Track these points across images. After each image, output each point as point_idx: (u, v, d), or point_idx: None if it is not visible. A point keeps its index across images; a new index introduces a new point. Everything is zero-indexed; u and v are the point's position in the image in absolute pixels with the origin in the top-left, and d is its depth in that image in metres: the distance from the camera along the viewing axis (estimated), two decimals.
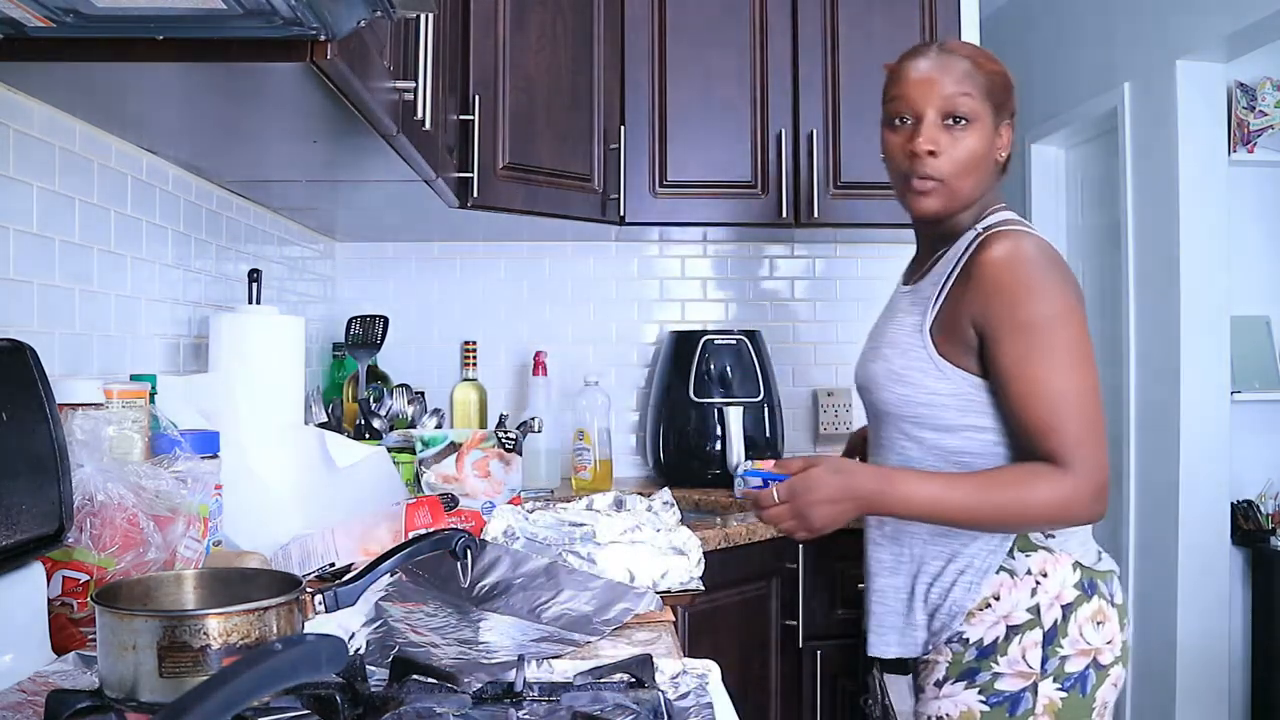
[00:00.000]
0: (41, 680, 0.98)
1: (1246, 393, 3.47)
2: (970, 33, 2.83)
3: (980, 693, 1.41)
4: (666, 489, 1.78)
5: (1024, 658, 1.41)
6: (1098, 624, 1.43)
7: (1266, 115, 3.45)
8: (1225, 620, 3.41)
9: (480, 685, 0.96)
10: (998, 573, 1.42)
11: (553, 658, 1.09)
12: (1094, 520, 1.38)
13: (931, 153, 1.43)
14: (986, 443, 1.43)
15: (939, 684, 1.45)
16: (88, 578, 1.13)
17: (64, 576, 1.13)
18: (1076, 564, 1.44)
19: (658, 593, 1.41)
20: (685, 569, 1.44)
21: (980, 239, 1.43)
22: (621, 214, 2.63)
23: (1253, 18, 3.02)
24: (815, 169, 2.67)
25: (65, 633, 1.11)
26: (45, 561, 1.09)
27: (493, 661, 1.08)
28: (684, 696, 0.98)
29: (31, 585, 1.05)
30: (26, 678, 0.99)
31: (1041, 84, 4.26)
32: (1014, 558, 1.43)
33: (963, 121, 1.44)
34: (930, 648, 1.48)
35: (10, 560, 1.01)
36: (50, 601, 1.09)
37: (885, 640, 1.52)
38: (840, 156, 2.70)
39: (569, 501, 1.72)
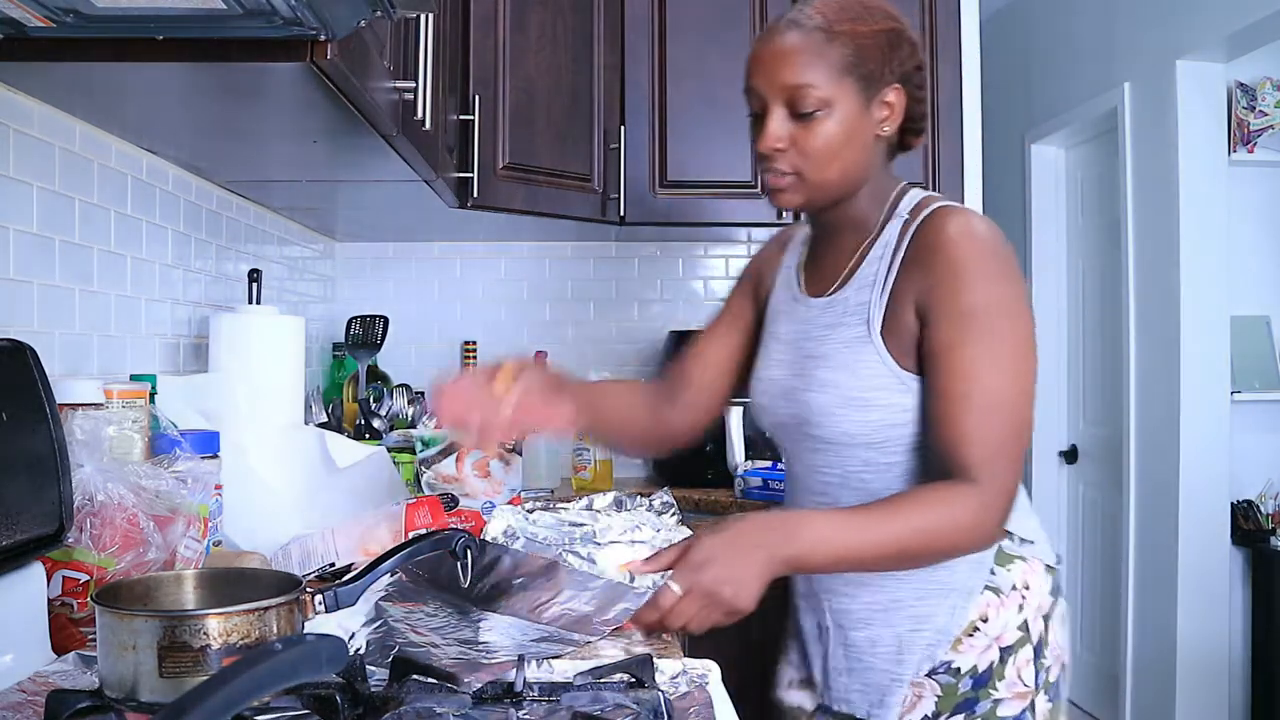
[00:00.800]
0: (41, 680, 0.98)
1: (1246, 393, 3.47)
2: (970, 33, 2.84)
3: None
4: (666, 489, 1.78)
5: (1020, 677, 1.29)
6: (1063, 624, 1.35)
7: (1266, 115, 3.44)
8: (1225, 620, 3.41)
9: (480, 685, 0.96)
10: (982, 592, 1.29)
11: (553, 658, 1.09)
12: (989, 547, 1.24)
13: (778, 149, 1.27)
14: None
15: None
16: (88, 578, 1.13)
17: (64, 576, 1.13)
18: (1047, 567, 1.34)
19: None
20: None
21: (922, 220, 1.28)
22: (621, 214, 2.63)
23: (1253, 18, 3.02)
24: None
25: (65, 633, 1.11)
26: (45, 561, 1.09)
27: (493, 661, 1.08)
28: (684, 696, 0.98)
29: (31, 585, 1.05)
30: (26, 678, 0.99)
31: (1041, 84, 4.26)
32: (995, 574, 1.29)
33: (812, 113, 1.25)
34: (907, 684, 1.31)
35: (10, 560, 1.01)
36: (50, 601, 1.09)
37: (871, 700, 1.32)
38: None
39: (569, 501, 1.72)
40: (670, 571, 1.12)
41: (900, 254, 1.28)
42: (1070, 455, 4.21)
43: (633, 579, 1.41)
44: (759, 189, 1.38)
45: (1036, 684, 1.30)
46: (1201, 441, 3.37)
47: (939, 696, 1.28)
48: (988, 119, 3.21)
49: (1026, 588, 1.30)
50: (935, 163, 2.73)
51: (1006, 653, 1.29)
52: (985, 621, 1.28)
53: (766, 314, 1.46)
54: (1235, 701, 3.49)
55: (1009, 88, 4.40)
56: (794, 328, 1.38)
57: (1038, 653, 1.30)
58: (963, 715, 1.28)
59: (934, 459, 1.23)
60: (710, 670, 1.05)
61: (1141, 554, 3.60)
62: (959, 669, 1.28)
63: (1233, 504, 3.47)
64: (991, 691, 1.28)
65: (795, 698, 1.45)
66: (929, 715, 1.28)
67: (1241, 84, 3.45)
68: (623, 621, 1.17)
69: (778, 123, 1.26)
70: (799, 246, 1.47)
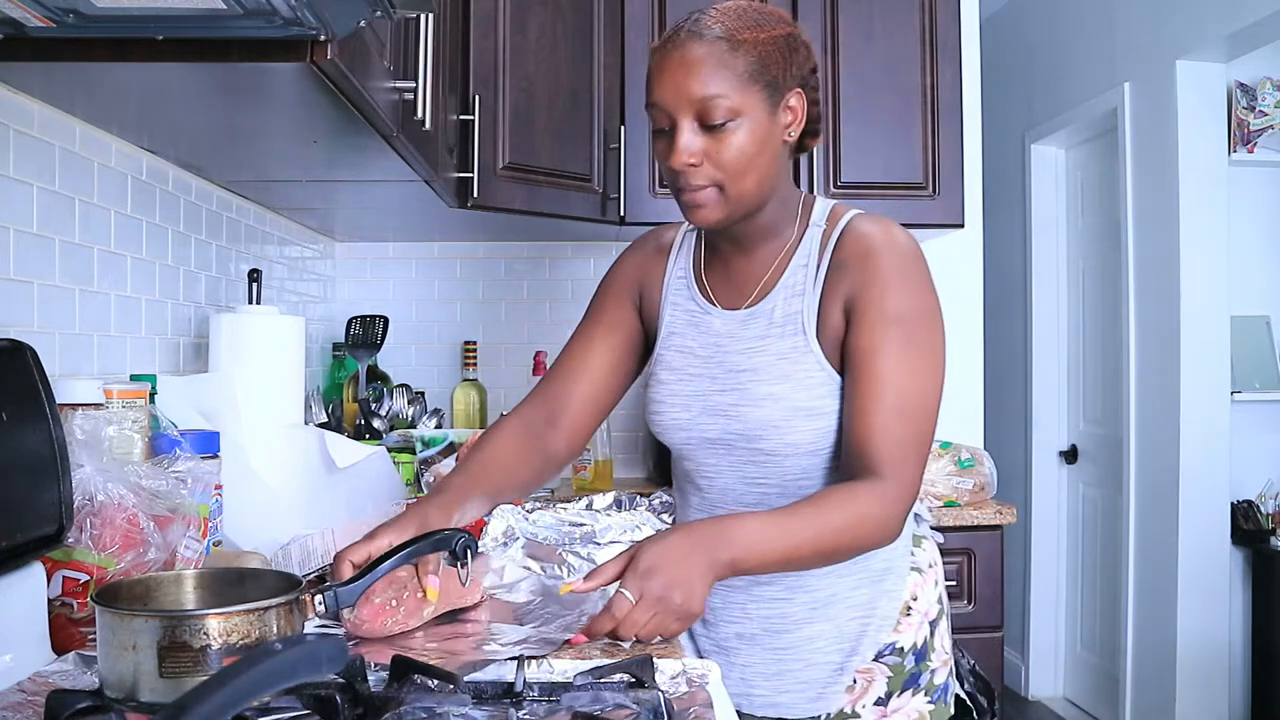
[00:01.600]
0: (41, 680, 0.98)
1: (1246, 393, 3.47)
2: (970, 33, 2.83)
3: (925, 694, 1.38)
4: (666, 489, 1.78)
5: (943, 645, 1.41)
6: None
7: (1266, 115, 3.44)
8: (1225, 620, 3.41)
9: (480, 685, 0.96)
10: (909, 573, 1.38)
11: (545, 656, 1.09)
12: (894, 540, 1.27)
13: (692, 164, 1.24)
14: None
15: (882, 701, 1.35)
16: (88, 578, 1.13)
17: (64, 576, 1.13)
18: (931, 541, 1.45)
19: None
20: None
21: (844, 227, 1.31)
22: (621, 214, 2.63)
23: (1253, 18, 3.02)
24: (815, 169, 2.67)
25: (65, 633, 1.11)
26: (45, 561, 1.09)
27: (493, 661, 1.08)
28: (684, 696, 0.98)
29: (31, 585, 1.05)
30: (26, 678, 0.99)
31: (1041, 84, 4.26)
32: (914, 555, 1.39)
33: (724, 123, 1.22)
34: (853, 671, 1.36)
35: (10, 560, 1.01)
36: (50, 601, 1.09)
37: (808, 696, 1.35)
38: (840, 156, 2.70)
39: (569, 501, 1.72)
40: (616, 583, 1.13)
41: (825, 261, 1.30)
42: (1070, 455, 4.21)
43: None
44: (679, 204, 1.33)
45: (948, 648, 1.42)
46: (1201, 441, 3.37)
47: (889, 678, 1.35)
48: (988, 119, 3.22)
49: (933, 563, 1.42)
50: (935, 163, 2.72)
51: (934, 625, 1.39)
52: (915, 600, 1.38)
53: (660, 325, 1.42)
54: (1235, 701, 3.49)
55: (1009, 88, 4.40)
56: (708, 340, 1.36)
57: (944, 617, 1.42)
58: (910, 691, 1.36)
59: (846, 454, 1.26)
60: (710, 670, 1.05)
61: (1141, 554, 3.60)
62: (902, 648, 1.37)
63: (1233, 504, 3.47)
64: (929, 664, 1.38)
65: None
66: (881, 697, 1.36)
67: (1241, 84, 3.45)
68: (573, 635, 1.16)
69: (688, 137, 1.23)
70: (684, 255, 1.45)
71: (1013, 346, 4.43)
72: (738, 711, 1.37)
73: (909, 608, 1.37)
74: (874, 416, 1.23)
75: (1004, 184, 4.38)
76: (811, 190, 2.65)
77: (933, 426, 1.27)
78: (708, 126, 1.23)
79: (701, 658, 1.39)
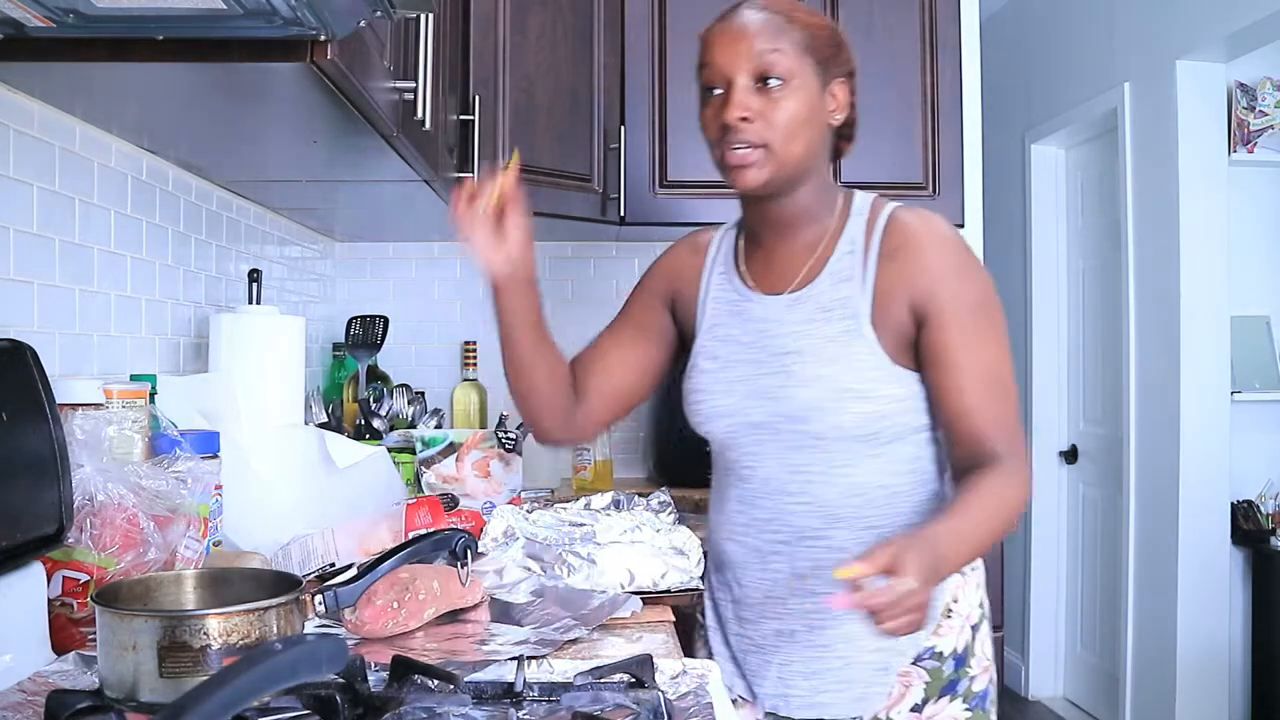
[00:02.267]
0: (41, 680, 0.98)
1: (1246, 393, 3.47)
2: (970, 32, 2.83)
3: (964, 701, 1.36)
4: (665, 489, 1.78)
5: (984, 651, 1.38)
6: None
7: (1266, 115, 3.44)
8: (1225, 620, 3.41)
9: (480, 685, 0.96)
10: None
11: (545, 656, 1.09)
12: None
13: (745, 119, 1.27)
14: (930, 441, 1.34)
15: (918, 707, 1.33)
16: (88, 578, 1.13)
17: (64, 576, 1.13)
18: None
19: (658, 593, 1.41)
20: (685, 569, 1.44)
21: (889, 219, 1.33)
22: (621, 214, 2.63)
23: (1253, 18, 3.02)
24: None
25: (65, 633, 1.11)
26: (45, 561, 1.09)
27: (493, 661, 1.08)
28: (684, 696, 0.98)
29: (31, 585, 1.05)
30: (26, 678, 0.99)
31: (1041, 84, 4.26)
32: None
33: (778, 81, 1.27)
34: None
35: (10, 560, 1.01)
36: (50, 601, 1.09)
37: (851, 696, 1.32)
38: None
39: (569, 502, 1.72)
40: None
41: (873, 249, 1.32)
42: (1070, 455, 4.21)
43: (633, 579, 1.41)
44: (721, 170, 1.35)
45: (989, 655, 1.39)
46: (1201, 441, 3.37)
47: (926, 683, 1.34)
48: (988, 119, 3.21)
49: (976, 566, 1.39)
50: (935, 163, 2.72)
51: (975, 630, 1.37)
52: (956, 602, 1.35)
53: (699, 320, 1.43)
54: (1235, 701, 3.49)
55: (1009, 88, 4.40)
56: (751, 327, 1.37)
57: (985, 624, 1.40)
58: (947, 697, 1.34)
59: (959, 446, 1.28)
60: (710, 670, 1.05)
61: (1141, 554, 3.60)
62: (941, 652, 1.34)
63: (1233, 504, 3.47)
64: (969, 670, 1.36)
65: None
66: (918, 703, 1.33)
67: (1241, 84, 3.45)
68: (600, 621, 1.17)
69: (743, 94, 1.27)
70: (723, 250, 1.46)
71: (1013, 346, 4.41)
72: (774, 714, 1.37)
73: (949, 610, 1.35)
74: (977, 406, 1.26)
75: (1004, 184, 4.38)
76: None
77: (1016, 389, 1.32)
78: (762, 86, 1.28)
79: (735, 660, 1.39)
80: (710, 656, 1.41)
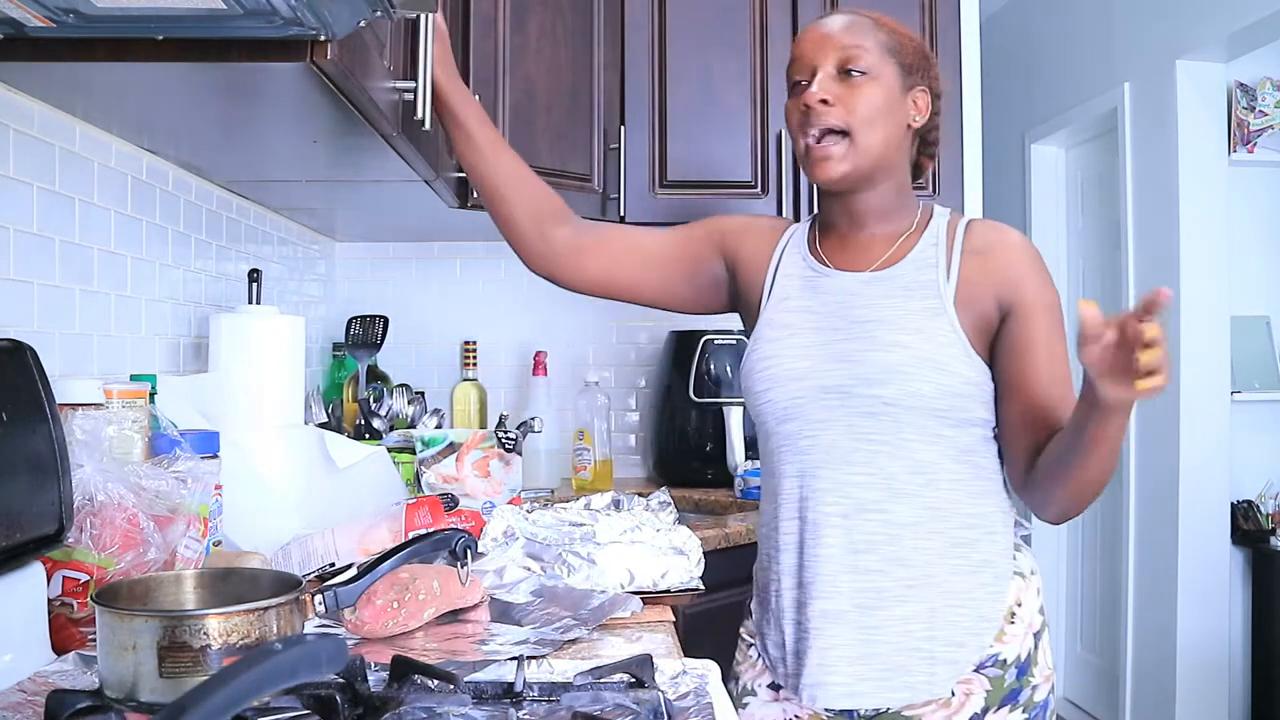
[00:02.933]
0: (41, 680, 0.98)
1: (1246, 393, 3.47)
2: (970, 33, 2.83)
3: (1024, 711, 1.32)
4: (664, 489, 1.78)
5: (1045, 660, 1.36)
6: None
7: (1266, 115, 3.45)
8: (1225, 620, 3.41)
9: (480, 685, 0.96)
10: (1011, 577, 1.33)
11: (545, 656, 1.09)
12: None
13: (825, 101, 1.31)
14: (988, 438, 1.35)
15: (978, 717, 1.30)
16: (88, 578, 1.13)
17: (64, 576, 1.13)
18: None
19: (658, 593, 1.41)
20: (685, 569, 1.44)
21: (970, 223, 1.39)
22: (621, 214, 2.63)
23: (1253, 18, 3.02)
24: None
25: (65, 633, 1.11)
26: (45, 561, 1.09)
27: (493, 661, 1.08)
28: (684, 696, 0.98)
29: (31, 585, 1.05)
30: (26, 678, 0.99)
31: (1041, 84, 4.26)
32: (1015, 559, 1.35)
33: (860, 73, 1.32)
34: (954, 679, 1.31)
35: (10, 560, 1.01)
36: (50, 601, 1.09)
37: (894, 685, 1.29)
38: None
39: (569, 501, 1.72)
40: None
41: (957, 244, 1.36)
42: None
43: (633, 579, 1.41)
44: (804, 162, 1.37)
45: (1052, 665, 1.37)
46: (1201, 441, 3.37)
47: (988, 691, 1.31)
48: (988, 119, 3.21)
49: (1033, 571, 1.37)
50: (935, 162, 2.72)
51: (1038, 638, 1.35)
52: (1020, 607, 1.33)
53: (766, 293, 1.44)
54: (1235, 701, 3.49)
55: (1009, 88, 4.40)
56: (828, 299, 1.38)
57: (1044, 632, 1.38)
58: (1008, 707, 1.31)
59: (1038, 433, 1.30)
60: (710, 670, 1.05)
61: (1141, 554, 3.60)
62: (1005, 660, 1.32)
63: (1233, 504, 3.47)
64: (1031, 679, 1.33)
65: (768, 713, 1.39)
66: (977, 713, 1.30)
67: (1241, 84, 3.45)
68: (600, 621, 1.18)
69: (826, 80, 1.33)
70: (799, 233, 1.48)
71: None
72: (807, 709, 1.35)
73: (1013, 614, 1.32)
74: (1065, 396, 1.29)
75: (1004, 184, 4.38)
76: (812, 188, 2.65)
77: None
78: (845, 75, 1.33)
79: (767, 648, 1.39)
80: (776, 628, 1.38)
